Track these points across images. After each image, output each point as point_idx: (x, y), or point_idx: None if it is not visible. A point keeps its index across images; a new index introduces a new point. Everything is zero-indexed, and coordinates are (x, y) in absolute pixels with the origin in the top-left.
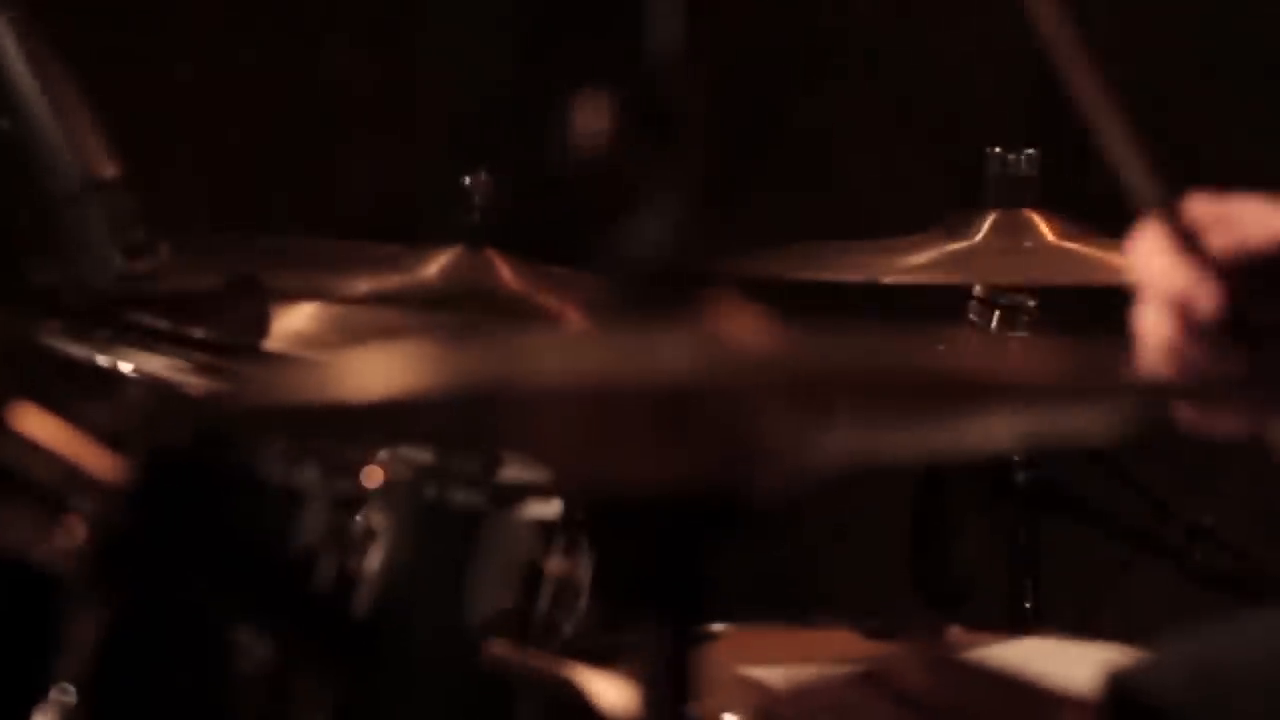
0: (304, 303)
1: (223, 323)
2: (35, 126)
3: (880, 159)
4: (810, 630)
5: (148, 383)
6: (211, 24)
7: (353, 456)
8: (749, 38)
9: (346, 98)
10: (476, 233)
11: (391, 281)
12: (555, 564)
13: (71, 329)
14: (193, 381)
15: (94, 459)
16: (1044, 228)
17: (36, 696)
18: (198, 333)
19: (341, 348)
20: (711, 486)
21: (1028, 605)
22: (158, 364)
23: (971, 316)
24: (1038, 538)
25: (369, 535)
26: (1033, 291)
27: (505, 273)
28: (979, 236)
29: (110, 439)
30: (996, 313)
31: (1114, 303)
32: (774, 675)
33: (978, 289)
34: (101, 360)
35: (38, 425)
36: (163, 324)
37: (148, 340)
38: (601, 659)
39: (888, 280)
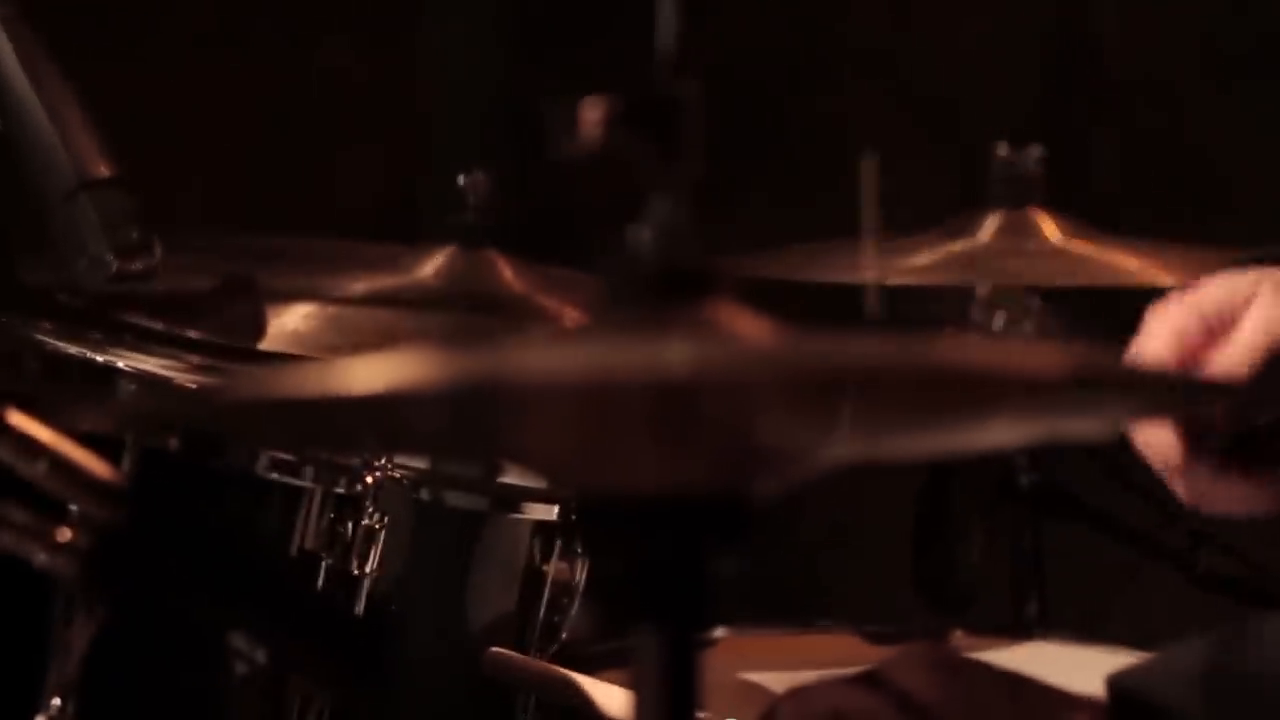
0: (299, 303)
1: (217, 323)
2: (29, 126)
3: (883, 158)
4: (811, 634)
5: (142, 383)
6: (206, 24)
7: (351, 459)
8: (749, 36)
9: (342, 97)
10: (473, 233)
11: (388, 282)
12: (555, 568)
13: (66, 329)
14: (187, 381)
15: (88, 460)
16: (1049, 227)
17: (32, 699)
18: (192, 333)
19: (337, 349)
20: (712, 488)
21: (1031, 609)
22: (152, 364)
23: (975, 317)
24: (1041, 541)
25: (368, 538)
26: (1037, 292)
27: (502, 273)
28: (982, 236)
29: (105, 440)
30: (1000, 313)
31: (1119, 303)
32: (775, 680)
33: (981, 289)
34: (96, 360)
35: (32, 426)
36: (157, 324)
37: (142, 340)
38: (601, 663)
39: (891, 282)
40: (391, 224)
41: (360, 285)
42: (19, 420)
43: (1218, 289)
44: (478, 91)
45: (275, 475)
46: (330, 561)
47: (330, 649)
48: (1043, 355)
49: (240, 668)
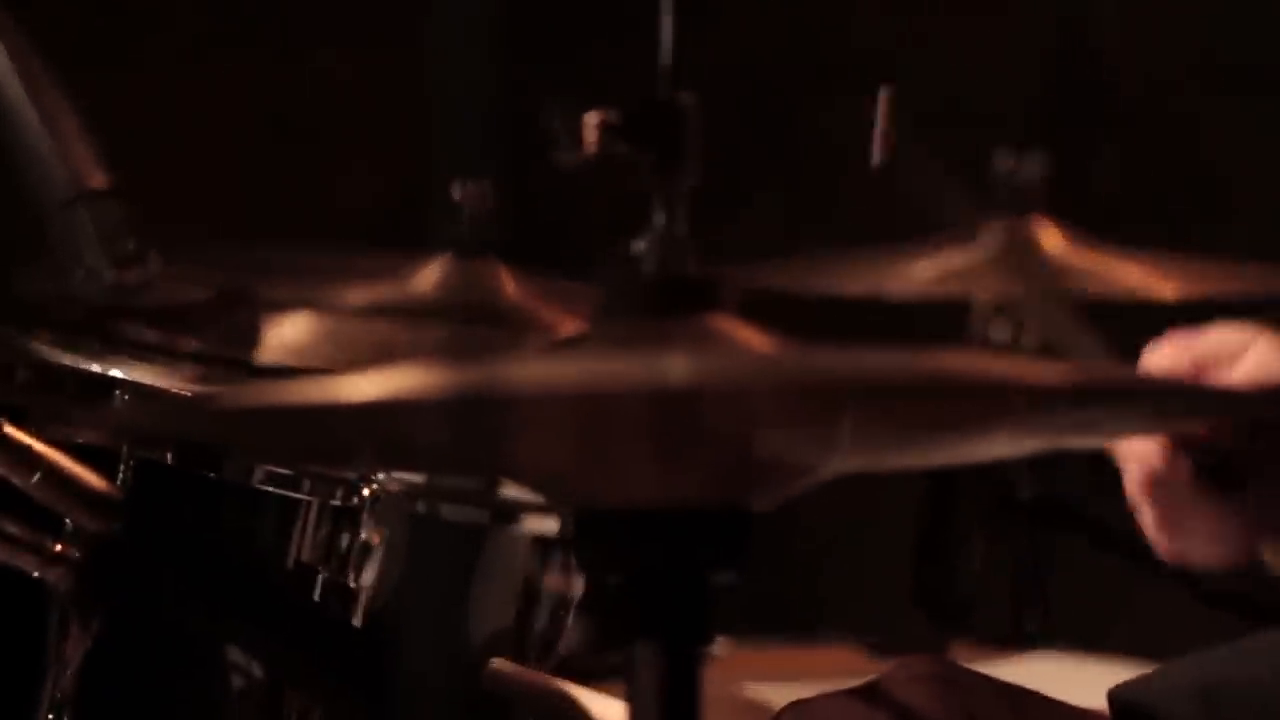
0: (297, 313)
1: (214, 334)
2: (24, 136)
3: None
4: (812, 647)
5: (138, 394)
6: (201, 34)
7: (348, 471)
8: (751, 45)
9: (339, 104)
10: (471, 242)
11: (385, 292)
12: (553, 581)
13: (62, 340)
14: (184, 393)
15: (83, 472)
16: (1051, 236)
17: (28, 712)
18: (189, 344)
19: (335, 359)
20: (711, 501)
21: (1032, 621)
22: (149, 375)
23: (976, 328)
24: (1042, 553)
25: (366, 551)
26: (1039, 302)
27: (499, 282)
28: (984, 245)
29: (101, 452)
30: (1002, 324)
31: (1121, 315)
32: (775, 693)
33: (982, 300)
34: (91, 372)
35: (27, 438)
36: (154, 335)
37: (138, 352)
38: (600, 676)
39: (894, 295)
40: (389, 233)
41: (358, 295)
42: (14, 432)
43: (1214, 336)
44: (476, 100)
45: (272, 487)
46: (327, 574)
47: (327, 662)
48: (1044, 367)
49: (237, 681)
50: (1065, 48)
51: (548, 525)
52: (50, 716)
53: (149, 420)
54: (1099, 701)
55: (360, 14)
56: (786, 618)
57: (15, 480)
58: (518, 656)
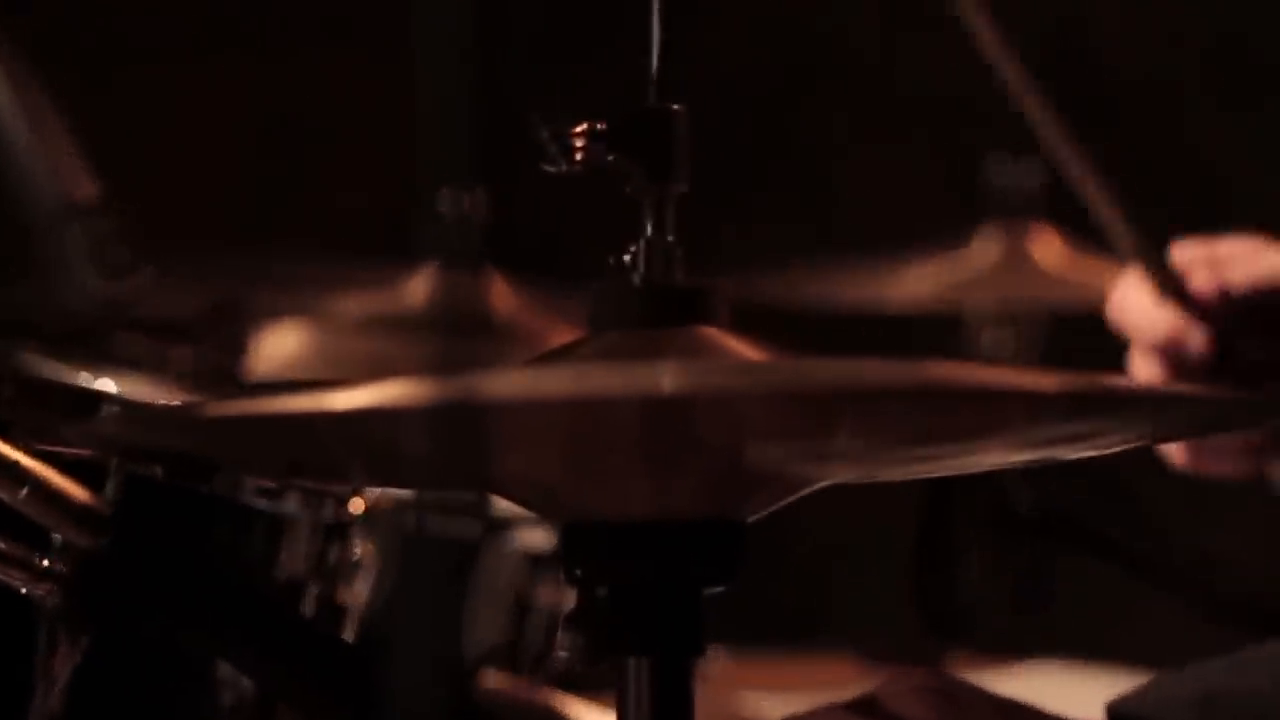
0: (288, 324)
1: (204, 345)
2: (13, 148)
3: (880, 173)
4: (809, 657)
5: (127, 407)
6: (192, 46)
7: (338, 485)
8: (741, 53)
9: (329, 112)
10: (461, 252)
11: (375, 302)
12: (545, 593)
13: (51, 353)
14: (173, 405)
15: (71, 486)
16: (1049, 242)
17: None
18: (180, 356)
19: (324, 370)
20: (703, 511)
21: (1031, 630)
22: (137, 388)
23: (971, 336)
24: (1041, 563)
25: (356, 565)
26: (1036, 310)
27: (490, 291)
28: (979, 252)
29: (89, 466)
30: (997, 333)
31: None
32: (771, 706)
33: (977, 309)
34: (80, 385)
35: (13, 452)
36: (144, 348)
37: (127, 365)
38: (592, 689)
39: (889, 304)
40: (377, 243)
41: (348, 305)
42: (1, 447)
43: (1228, 242)
44: (465, 110)
45: (262, 502)
46: (317, 589)
47: (317, 677)
48: (1039, 377)
49: (227, 697)
50: (1063, 47)
51: (539, 538)
52: None
53: (137, 433)
54: (1097, 713)
55: (347, 25)
56: (784, 627)
57: (2, 495)
58: (510, 670)
